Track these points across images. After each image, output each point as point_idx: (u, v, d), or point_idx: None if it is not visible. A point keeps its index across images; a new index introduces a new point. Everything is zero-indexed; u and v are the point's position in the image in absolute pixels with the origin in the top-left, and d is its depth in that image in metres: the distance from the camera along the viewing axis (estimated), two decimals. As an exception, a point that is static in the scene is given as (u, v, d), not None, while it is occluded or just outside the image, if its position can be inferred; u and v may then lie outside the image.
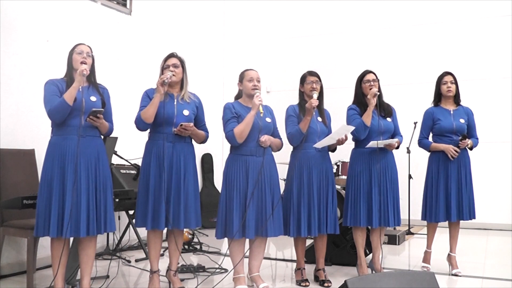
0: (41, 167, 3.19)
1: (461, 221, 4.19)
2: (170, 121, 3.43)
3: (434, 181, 4.16)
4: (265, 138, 3.53)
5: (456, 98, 4.25)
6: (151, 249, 3.53)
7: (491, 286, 3.88)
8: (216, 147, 7.06)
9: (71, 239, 3.34)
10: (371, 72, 3.98)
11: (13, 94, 4.26)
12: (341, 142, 3.75)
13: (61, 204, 3.04)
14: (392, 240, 5.58)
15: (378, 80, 3.97)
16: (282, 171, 4.16)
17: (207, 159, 7.11)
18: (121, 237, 4.98)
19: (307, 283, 3.81)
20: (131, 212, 4.75)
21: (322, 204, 3.75)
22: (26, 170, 4.07)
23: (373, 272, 4.01)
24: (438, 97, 4.27)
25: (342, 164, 6.13)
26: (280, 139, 3.74)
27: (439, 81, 4.24)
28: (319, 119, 3.86)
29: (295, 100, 3.95)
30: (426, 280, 1.97)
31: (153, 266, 3.53)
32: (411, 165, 6.47)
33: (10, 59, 4.25)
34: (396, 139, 3.95)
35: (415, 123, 5.93)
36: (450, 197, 4.07)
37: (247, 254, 3.63)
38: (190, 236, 5.14)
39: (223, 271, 4.15)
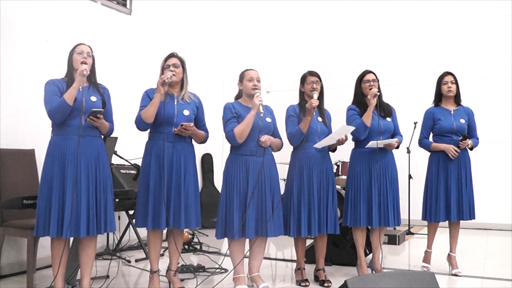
0: (41, 167, 3.19)
1: (461, 221, 4.19)
2: (170, 121, 3.43)
3: (434, 181, 4.16)
4: (265, 138, 3.53)
5: (457, 98, 4.25)
6: (151, 249, 3.53)
7: (491, 286, 3.87)
8: (216, 147, 7.06)
9: (71, 239, 3.34)
10: (371, 72, 3.98)
11: (13, 94, 4.26)
12: (341, 142, 3.75)
13: (61, 204, 3.04)
14: (392, 240, 5.58)
15: (378, 80, 3.97)
16: (282, 171, 4.16)
17: (207, 159, 7.11)
18: (121, 237, 4.98)
19: (307, 283, 3.81)
20: (131, 212, 4.75)
21: (322, 204, 3.75)
22: (26, 170, 4.07)
23: (373, 272, 4.01)
24: (439, 97, 4.27)
25: (342, 164, 6.13)
26: (280, 139, 3.74)
27: (440, 81, 4.24)
28: (320, 119, 3.86)
29: (295, 100, 3.95)
30: (426, 280, 1.97)
31: (153, 266, 3.53)
32: (411, 165, 6.47)
33: (10, 59, 4.25)
34: (395, 139, 3.95)
35: (415, 123, 5.93)
36: (450, 197, 4.07)
37: (247, 254, 3.63)
38: (190, 236, 5.14)
39: (223, 271, 4.15)
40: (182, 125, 3.39)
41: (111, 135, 3.45)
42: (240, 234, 3.42)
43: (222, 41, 7.48)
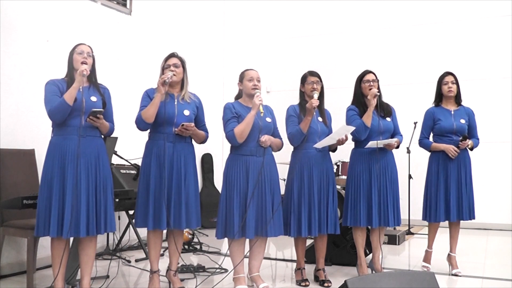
0: (41, 167, 3.19)
1: (461, 221, 4.19)
2: (170, 121, 3.43)
3: (434, 181, 4.16)
4: (265, 138, 3.52)
5: (457, 98, 4.25)
6: (151, 249, 3.53)
7: (491, 286, 3.88)
8: (216, 147, 7.06)
9: (71, 239, 3.34)
10: (371, 72, 3.97)
11: (13, 94, 4.26)
12: (341, 142, 3.75)
13: (61, 204, 3.04)
14: (392, 240, 5.58)
15: (378, 81, 3.97)
16: (282, 171, 4.16)
17: (207, 159, 7.11)
18: (121, 237, 4.98)
19: (307, 283, 3.81)
20: (131, 212, 4.75)
21: (323, 204, 3.75)
22: (26, 170, 4.07)
23: (373, 272, 4.00)
24: (439, 97, 4.27)
25: (342, 164, 6.12)
26: (281, 139, 3.74)
27: (440, 81, 4.24)
28: (320, 119, 3.86)
29: (295, 100, 3.95)
30: (426, 280, 1.97)
31: (153, 266, 3.53)
32: (411, 165, 6.47)
33: (10, 59, 4.25)
34: (395, 139, 3.95)
35: (415, 123, 5.93)
36: (450, 197, 4.07)
37: (247, 254, 3.63)
38: (190, 236, 5.14)
39: (223, 271, 4.15)
40: (183, 125, 3.39)
41: (111, 135, 3.45)
42: (240, 234, 3.42)
43: (222, 41, 7.48)
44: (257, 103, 3.42)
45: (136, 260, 4.62)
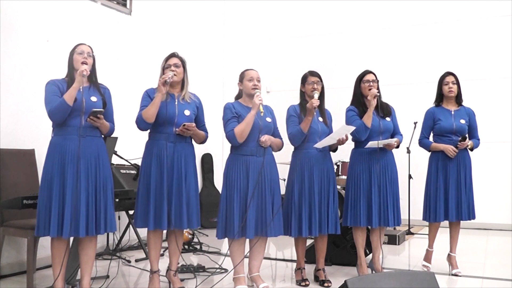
0: (41, 167, 3.19)
1: (461, 221, 4.19)
2: (171, 121, 3.43)
3: (434, 181, 4.16)
4: (265, 138, 3.52)
5: (458, 99, 4.25)
6: (151, 249, 3.52)
7: (491, 286, 3.88)
8: (216, 147, 7.06)
9: (71, 239, 3.34)
10: (371, 72, 3.97)
11: (13, 94, 4.26)
12: (341, 142, 3.75)
13: (61, 204, 3.04)
14: (392, 240, 5.58)
15: (378, 81, 3.97)
16: (283, 171, 4.16)
17: (207, 159, 7.11)
18: (121, 237, 4.98)
19: (307, 283, 3.81)
20: (131, 212, 4.74)
21: (323, 204, 3.75)
22: (26, 170, 4.07)
23: (373, 272, 4.01)
24: (440, 97, 4.27)
25: (342, 164, 6.13)
26: (281, 139, 3.74)
27: (441, 81, 4.24)
28: (320, 119, 3.86)
29: (295, 100, 3.95)
30: (426, 280, 1.97)
31: (153, 266, 3.53)
32: (411, 165, 6.47)
33: (10, 59, 4.25)
34: (395, 139, 3.95)
35: (415, 123, 5.93)
36: (449, 197, 4.07)
37: (247, 254, 3.63)
38: (190, 236, 5.14)
39: (223, 271, 4.15)
40: (184, 125, 3.39)
41: (112, 135, 3.45)
42: (240, 234, 3.42)
43: (222, 41, 7.48)
44: (257, 103, 3.42)
45: (136, 260, 4.62)
